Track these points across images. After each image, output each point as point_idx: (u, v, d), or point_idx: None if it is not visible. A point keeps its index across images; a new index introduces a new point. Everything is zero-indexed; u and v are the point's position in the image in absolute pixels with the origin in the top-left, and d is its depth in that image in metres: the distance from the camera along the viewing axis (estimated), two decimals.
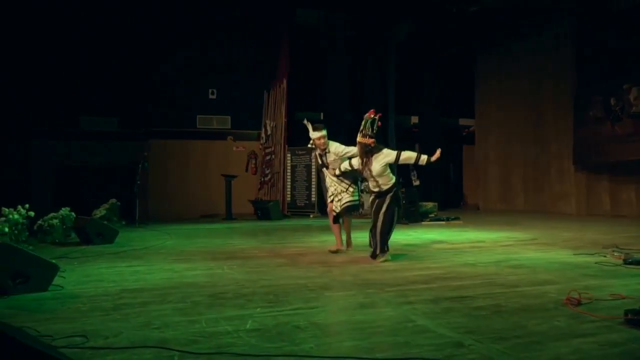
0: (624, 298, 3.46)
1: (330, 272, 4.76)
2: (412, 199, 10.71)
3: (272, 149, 13.87)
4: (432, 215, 11.16)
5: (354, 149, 5.62)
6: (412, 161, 5.30)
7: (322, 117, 14.86)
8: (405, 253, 5.94)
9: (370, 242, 5.41)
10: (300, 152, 13.31)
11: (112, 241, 7.40)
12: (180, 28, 13.69)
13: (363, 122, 5.33)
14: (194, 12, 13.73)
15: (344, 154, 5.77)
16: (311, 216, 12.77)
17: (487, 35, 14.67)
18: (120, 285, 4.24)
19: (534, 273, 4.54)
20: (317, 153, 6.05)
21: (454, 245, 6.72)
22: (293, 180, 13.33)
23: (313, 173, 13.04)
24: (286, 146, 13.34)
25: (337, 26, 14.01)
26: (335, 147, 5.81)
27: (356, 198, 5.87)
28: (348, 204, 5.76)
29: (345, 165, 5.57)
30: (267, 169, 13.95)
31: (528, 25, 13.32)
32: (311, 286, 4.06)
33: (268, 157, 14.00)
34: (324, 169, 6.02)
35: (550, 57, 13.02)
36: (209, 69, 14.20)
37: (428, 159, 5.24)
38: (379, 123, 5.30)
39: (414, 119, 16.54)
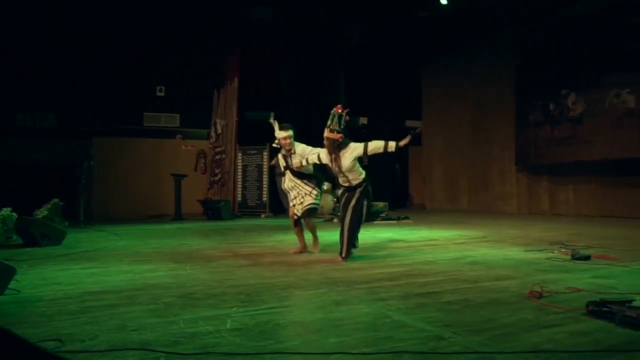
0: (580, 291, 3.67)
1: (295, 271, 4.78)
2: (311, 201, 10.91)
3: (223, 148, 13.70)
4: (383, 214, 11.38)
5: (321, 151, 5.61)
6: (381, 150, 5.18)
7: (272, 118, 14.84)
8: (366, 252, 6.03)
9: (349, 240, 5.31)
10: (251, 152, 13.23)
11: (60, 243, 7.10)
12: (125, 20, 13.26)
13: (330, 117, 5.25)
14: (141, 5, 13.36)
15: (307, 154, 5.75)
16: (262, 216, 12.71)
17: (434, 39, 15.08)
18: (80, 288, 4.08)
19: (491, 269, 4.73)
20: (281, 154, 5.96)
21: (411, 244, 6.89)
22: (244, 180, 13.23)
23: (264, 173, 13.00)
24: (237, 145, 13.22)
25: (289, 26, 14.01)
26: (302, 149, 5.75)
27: (318, 201, 5.85)
28: (309, 206, 5.73)
29: (313, 159, 5.51)
30: (217, 169, 13.76)
31: (473, 32, 13.81)
32: (280, 285, 4.07)
33: (218, 157, 13.81)
34: (287, 171, 5.92)
35: (494, 63, 13.57)
36: (156, 66, 13.84)
37: (396, 145, 5.13)
38: (347, 118, 5.25)
39: (363, 120, 16.80)
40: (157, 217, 12.63)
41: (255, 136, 13.93)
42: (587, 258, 5.19)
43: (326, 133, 5.25)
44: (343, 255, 5.22)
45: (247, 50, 13.49)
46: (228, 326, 2.86)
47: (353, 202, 5.25)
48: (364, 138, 5.43)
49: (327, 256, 5.58)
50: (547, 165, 12.26)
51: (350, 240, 5.23)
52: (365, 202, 5.30)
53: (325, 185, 12.48)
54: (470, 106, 14.32)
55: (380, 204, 11.62)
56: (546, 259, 5.32)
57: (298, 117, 14.37)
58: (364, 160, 5.37)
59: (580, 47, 11.26)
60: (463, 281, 4.14)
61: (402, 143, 5.13)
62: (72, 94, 13.05)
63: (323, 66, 14.77)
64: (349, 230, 5.21)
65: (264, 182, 12.98)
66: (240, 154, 13.26)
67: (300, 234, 5.96)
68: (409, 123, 17.84)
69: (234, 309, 3.29)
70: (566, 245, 6.12)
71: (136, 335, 2.70)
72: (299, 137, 14.99)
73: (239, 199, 13.18)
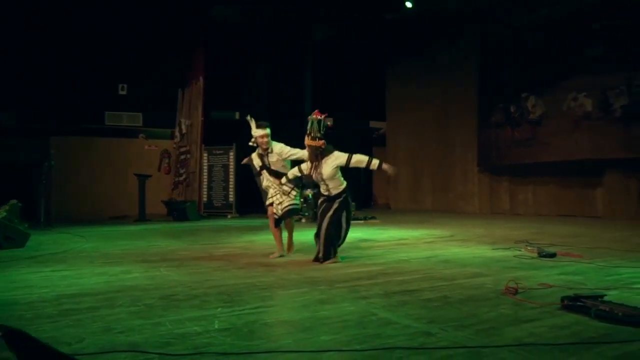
0: (551, 287, 3.83)
1: (274, 271, 4.79)
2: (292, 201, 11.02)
3: (188, 148, 13.53)
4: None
5: (299, 151, 5.54)
6: (364, 165, 5.13)
7: (237, 117, 14.77)
8: (339, 252, 6.07)
9: (316, 245, 5.29)
10: (217, 152, 13.12)
11: (23, 245, 6.89)
12: (87, 18, 12.92)
13: (309, 124, 5.12)
14: (103, 3, 13.05)
15: (289, 156, 5.62)
16: (229, 217, 12.62)
17: (399, 42, 15.33)
18: (54, 290, 3.98)
19: (464, 267, 4.87)
20: (257, 153, 5.84)
21: (381, 244, 6.99)
22: (210, 180, 13.10)
23: (231, 173, 12.90)
24: (203, 145, 13.09)
25: (255, 25, 13.96)
26: (280, 148, 5.63)
27: (297, 202, 5.80)
28: (289, 207, 5.67)
29: (294, 172, 5.38)
30: (182, 169, 13.58)
31: (438, 35, 14.11)
32: (261, 285, 4.07)
33: (183, 157, 13.64)
34: (264, 171, 5.78)
35: (457, 66, 13.89)
36: (118, 64, 13.55)
37: (380, 165, 5.11)
38: (329, 124, 5.21)
39: (328, 121, 16.87)
40: (120, 218, 12.36)
41: (221, 136, 13.84)
42: (553, 255, 5.40)
43: (307, 141, 5.11)
44: (320, 256, 5.12)
45: (212, 49, 13.37)
46: (216, 326, 2.86)
47: (330, 212, 5.14)
48: (336, 144, 5.36)
49: (304, 257, 5.60)
50: (507, 166, 12.64)
51: (328, 246, 5.12)
52: (344, 214, 5.17)
53: (308, 192, 12.55)
54: (434, 107, 14.61)
55: None
56: (514, 256, 5.51)
57: (264, 117, 14.34)
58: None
59: (540, 52, 11.66)
60: (439, 279, 4.25)
61: (385, 167, 5.14)
62: (33, 92, 12.64)
63: (289, 66, 14.78)
64: (325, 240, 5.10)
65: (231, 183, 12.89)
66: (205, 154, 13.12)
67: (279, 237, 5.81)
68: (373, 124, 18.10)
69: (219, 309, 3.28)
70: (531, 243, 6.35)
71: (124, 337, 2.67)
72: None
73: (205, 199, 13.04)
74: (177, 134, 14.04)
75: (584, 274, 4.41)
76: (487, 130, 13.00)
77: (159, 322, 2.97)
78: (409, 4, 12.59)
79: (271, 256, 5.76)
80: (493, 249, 6.12)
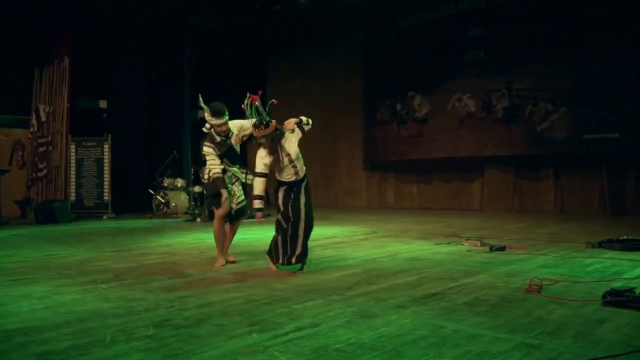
0: (556, 282, 3.83)
1: (248, 281, 4.15)
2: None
3: (49, 138, 11.64)
4: (247, 213, 10.86)
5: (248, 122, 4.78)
6: (305, 120, 4.63)
7: (106, 106, 13.19)
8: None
9: (274, 247, 4.57)
10: (88, 144, 11.51)
11: None
12: None
13: (249, 113, 4.44)
14: None
15: (248, 128, 4.81)
16: (104, 217, 11.15)
17: (281, 36, 14.97)
18: None
19: (442, 265, 4.72)
20: (209, 143, 4.98)
21: (317, 243, 6.58)
22: (79, 177, 11.42)
23: (106, 168, 11.40)
24: (69, 136, 11.36)
25: (130, 8, 12.48)
26: (240, 123, 4.88)
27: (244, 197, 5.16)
28: (243, 204, 5.05)
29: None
30: (42, 163, 11.67)
31: (325, 31, 14.03)
32: (262, 300, 3.45)
33: (43, 149, 11.72)
34: (224, 161, 4.89)
35: (343, 63, 13.94)
36: None
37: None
38: (275, 101, 4.58)
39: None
40: None
41: (91, 126, 12.21)
42: (503, 249, 5.53)
43: (256, 132, 4.39)
44: (296, 257, 4.47)
45: (82, 29, 11.68)
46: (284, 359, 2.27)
47: (303, 199, 4.53)
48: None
49: (257, 264, 5.00)
50: (393, 162, 13.04)
51: (306, 243, 4.54)
52: (309, 198, 4.60)
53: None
54: (319, 104, 14.47)
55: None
56: (468, 251, 5.54)
57: (137, 106, 13.00)
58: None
59: (425, 53, 12.19)
60: (441, 280, 4.03)
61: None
62: None
63: (166, 55, 13.55)
64: (305, 235, 4.49)
65: (105, 179, 11.39)
66: (73, 146, 11.41)
67: (222, 242, 5.02)
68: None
69: (254, 335, 2.65)
70: (461, 237, 6.51)
71: None
72: (142, 128, 13.58)
73: (73, 198, 11.33)
74: (33, 122, 12.03)
75: (561, 266, 4.52)
76: (374, 127, 13.28)
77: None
78: None
79: (215, 265, 4.96)
80: (436, 244, 6.11)
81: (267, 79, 16.19)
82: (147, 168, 12.57)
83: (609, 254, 5.12)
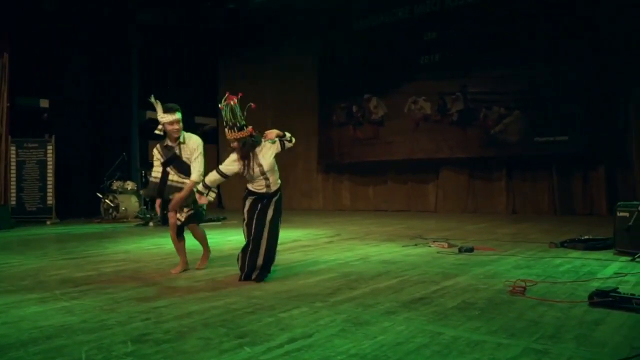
0: (536, 283, 3.84)
1: (224, 289, 3.94)
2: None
3: None
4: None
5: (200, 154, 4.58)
6: (288, 137, 4.36)
7: (48, 105, 12.49)
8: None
9: (241, 260, 4.25)
10: (30, 145, 10.84)
11: None
12: None
13: (224, 114, 4.13)
14: None
15: (199, 154, 4.58)
16: (48, 223, 10.52)
17: (234, 35, 14.69)
18: None
19: (417, 267, 4.67)
20: (164, 144, 4.73)
21: (284, 246, 6.42)
22: (20, 180, 10.73)
23: (49, 171, 10.77)
24: (9, 137, 10.65)
25: (71, 1, 11.84)
26: (198, 144, 4.59)
27: (203, 206, 4.81)
28: (192, 211, 4.66)
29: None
30: None
31: (280, 31, 13.85)
32: (242, 309, 3.26)
33: None
34: (170, 168, 4.59)
35: (297, 64, 13.81)
36: None
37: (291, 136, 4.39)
38: (253, 106, 4.25)
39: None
40: None
41: (28, 126, 11.51)
42: (471, 250, 5.56)
43: (230, 134, 4.14)
44: (258, 271, 4.19)
45: (22, 24, 10.99)
46: None
47: (270, 214, 4.27)
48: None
49: (224, 271, 4.79)
50: (349, 164, 13.02)
51: (270, 258, 4.25)
52: (279, 218, 4.35)
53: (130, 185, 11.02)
54: (274, 105, 14.28)
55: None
56: (437, 252, 5.54)
57: (81, 105, 12.37)
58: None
59: (380, 56, 12.24)
60: (422, 283, 3.96)
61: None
62: None
63: (112, 52, 12.97)
64: (266, 251, 4.20)
65: (49, 182, 10.74)
66: (13, 148, 10.70)
67: (182, 249, 4.79)
68: (200, 119, 17.03)
69: (246, 348, 2.48)
70: (426, 238, 6.53)
71: None
72: (87, 129, 12.95)
73: (13, 203, 10.62)
74: None
75: (533, 267, 4.57)
76: (329, 129, 13.23)
77: None
78: None
79: (173, 271, 4.71)
80: (404, 246, 6.08)
81: (219, 79, 15.86)
82: (92, 170, 12.01)
83: (574, 253, 5.24)
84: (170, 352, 2.45)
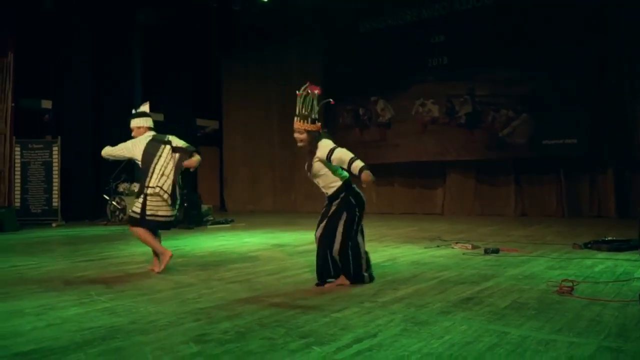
0: (578, 283, 3.82)
1: (258, 289, 3.88)
2: (194, 201, 9.91)
3: None
4: (211, 218, 10.48)
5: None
6: (345, 165, 3.87)
7: (50, 106, 12.34)
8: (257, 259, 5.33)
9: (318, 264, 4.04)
10: (35, 146, 10.69)
11: None
12: None
13: (300, 101, 3.98)
14: None
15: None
16: (53, 225, 10.37)
17: (238, 36, 14.63)
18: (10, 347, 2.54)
19: (451, 268, 4.64)
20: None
21: (304, 248, 6.37)
22: (25, 182, 10.58)
23: (55, 172, 10.63)
24: (13, 137, 10.51)
25: (74, 1, 11.71)
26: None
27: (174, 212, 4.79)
28: (130, 214, 4.76)
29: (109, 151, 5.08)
30: None
31: (285, 32, 13.82)
32: (291, 310, 3.21)
33: None
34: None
35: (303, 66, 13.73)
36: None
37: (361, 170, 3.80)
38: (332, 101, 4.20)
39: (159, 117, 15.25)
40: None
41: (31, 127, 11.36)
42: (497, 251, 5.54)
43: (300, 124, 3.96)
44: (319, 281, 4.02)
45: (22, 20, 10.86)
46: None
47: (325, 220, 4.02)
48: None
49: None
50: None
51: (320, 265, 4.01)
52: (344, 216, 3.94)
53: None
54: (277, 107, 14.26)
55: (205, 207, 10.68)
56: (463, 254, 5.51)
57: (84, 106, 12.23)
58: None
59: (388, 58, 12.22)
60: (463, 284, 3.93)
61: (364, 175, 3.78)
62: None
63: (115, 53, 12.85)
64: (318, 256, 4.03)
65: (55, 184, 10.60)
66: (18, 148, 10.56)
67: (157, 245, 4.76)
68: (202, 122, 16.91)
69: (316, 348, 2.42)
70: (444, 240, 6.51)
71: None
72: (90, 127, 12.74)
73: (18, 204, 10.47)
74: None
75: (566, 268, 4.55)
76: (335, 132, 13.16)
77: None
78: None
79: (150, 267, 4.83)
80: (425, 248, 6.05)
81: (222, 81, 15.79)
82: (96, 172, 11.85)
83: (601, 255, 5.23)
84: (238, 353, 2.39)
